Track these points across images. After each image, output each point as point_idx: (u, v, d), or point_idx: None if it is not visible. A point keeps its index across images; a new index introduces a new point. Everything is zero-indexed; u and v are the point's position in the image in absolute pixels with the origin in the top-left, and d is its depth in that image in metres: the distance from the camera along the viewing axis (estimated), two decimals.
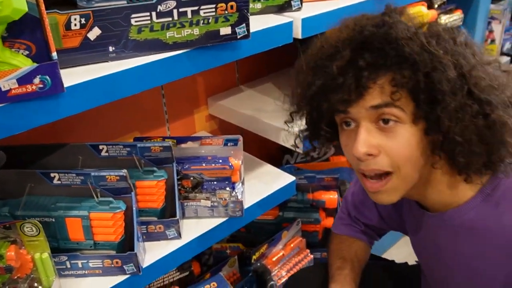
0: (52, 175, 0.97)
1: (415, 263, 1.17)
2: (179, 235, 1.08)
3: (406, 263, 1.19)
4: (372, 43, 0.72)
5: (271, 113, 1.38)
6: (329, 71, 0.74)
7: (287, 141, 1.24)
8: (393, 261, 1.23)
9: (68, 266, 0.98)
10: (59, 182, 0.97)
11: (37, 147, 1.07)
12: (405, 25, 0.72)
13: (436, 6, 1.68)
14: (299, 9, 1.15)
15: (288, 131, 1.04)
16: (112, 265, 0.98)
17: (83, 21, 0.83)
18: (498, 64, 0.76)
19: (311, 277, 1.10)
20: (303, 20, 1.12)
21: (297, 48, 1.06)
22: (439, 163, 0.77)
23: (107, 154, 1.06)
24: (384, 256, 1.29)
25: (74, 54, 0.85)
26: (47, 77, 0.74)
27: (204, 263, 1.48)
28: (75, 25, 0.83)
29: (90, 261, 0.98)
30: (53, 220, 0.96)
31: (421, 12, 1.45)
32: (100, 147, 1.05)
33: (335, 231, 1.16)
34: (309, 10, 1.15)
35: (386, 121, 0.73)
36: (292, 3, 1.14)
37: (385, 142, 0.74)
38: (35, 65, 0.73)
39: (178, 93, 1.45)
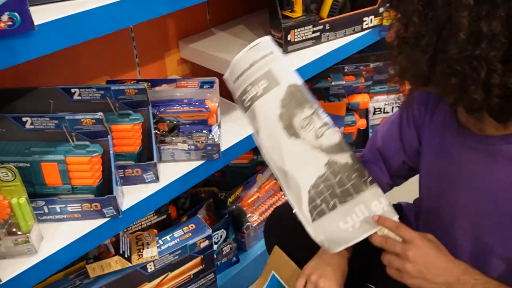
0: (24, 119, 0.94)
1: (396, 203, 1.20)
2: (157, 179, 1.08)
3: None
4: None
5: None
6: None
7: None
8: None
9: (46, 211, 0.98)
10: (31, 126, 0.95)
11: (4, 91, 1.03)
12: None
13: None
14: None
15: None
16: (91, 209, 0.98)
17: None
18: None
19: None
20: None
21: None
22: None
23: (79, 97, 1.03)
24: None
25: None
26: (16, 14, 0.71)
27: (180, 207, 1.49)
28: None
29: (68, 205, 0.97)
30: (28, 165, 0.95)
31: None
32: (72, 90, 1.02)
33: None
34: None
35: None
36: None
37: None
38: (2, 1, 0.69)
39: (148, 36, 1.41)
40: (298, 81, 0.88)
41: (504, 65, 0.69)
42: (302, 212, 0.89)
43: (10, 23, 0.71)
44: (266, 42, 0.86)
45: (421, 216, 1.09)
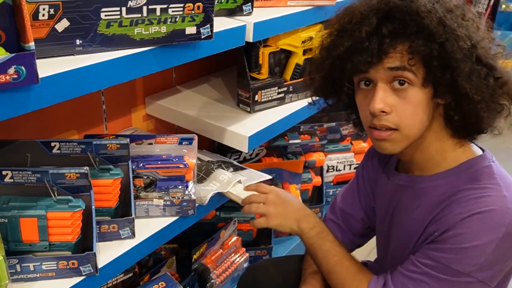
0: (4, 173, 0.91)
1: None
2: (133, 234, 1.07)
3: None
4: (395, 14, 0.84)
5: (211, 113, 1.41)
6: (356, 35, 0.85)
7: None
8: None
9: (18, 269, 0.92)
10: (11, 180, 0.92)
11: None
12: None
13: None
14: (249, 13, 1.19)
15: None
16: (68, 267, 0.94)
17: (52, 11, 0.80)
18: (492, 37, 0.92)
19: (270, 269, 1.14)
20: (255, 24, 1.17)
21: (225, 53, 1.13)
22: (439, 126, 0.92)
23: (59, 151, 1.01)
24: None
25: (39, 46, 0.81)
26: (23, 67, 0.71)
27: (144, 265, 1.46)
28: (43, 15, 0.80)
29: (43, 263, 0.93)
30: (6, 220, 0.90)
31: None
32: (52, 144, 1.00)
33: None
34: (259, 15, 1.20)
35: (401, 83, 0.86)
36: (244, 7, 1.18)
37: (397, 103, 0.87)
38: (11, 54, 0.69)
39: (117, 92, 1.42)
40: None
41: None
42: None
43: (15, 76, 0.71)
44: None
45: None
